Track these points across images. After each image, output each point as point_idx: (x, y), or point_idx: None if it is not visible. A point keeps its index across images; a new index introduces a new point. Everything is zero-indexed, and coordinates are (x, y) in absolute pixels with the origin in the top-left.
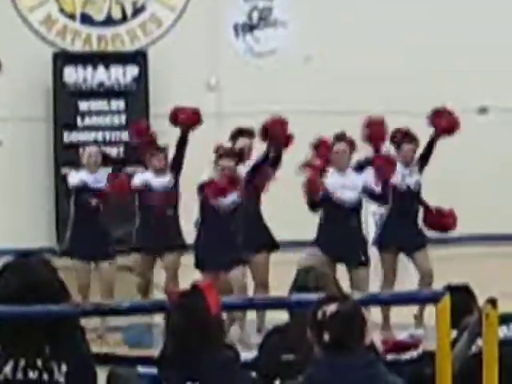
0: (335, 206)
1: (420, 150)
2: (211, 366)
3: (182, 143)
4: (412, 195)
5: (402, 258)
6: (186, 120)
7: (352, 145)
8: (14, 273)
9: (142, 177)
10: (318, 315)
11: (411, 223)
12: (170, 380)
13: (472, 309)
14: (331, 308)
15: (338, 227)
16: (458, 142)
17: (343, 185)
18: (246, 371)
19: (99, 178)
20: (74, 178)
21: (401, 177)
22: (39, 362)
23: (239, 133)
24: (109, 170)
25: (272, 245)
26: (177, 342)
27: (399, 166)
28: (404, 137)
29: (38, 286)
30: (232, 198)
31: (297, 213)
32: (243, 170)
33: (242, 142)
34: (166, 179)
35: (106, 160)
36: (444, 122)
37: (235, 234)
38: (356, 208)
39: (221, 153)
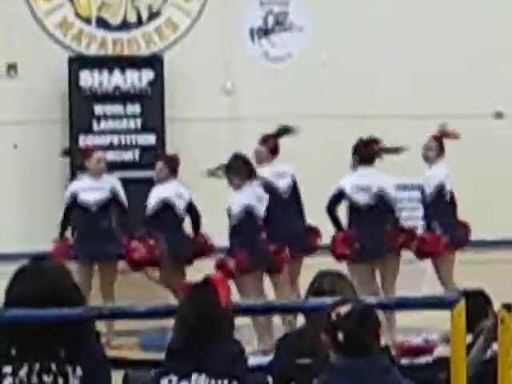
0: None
1: None
2: (218, 358)
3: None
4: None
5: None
6: None
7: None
8: (28, 276)
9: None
10: (331, 316)
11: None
12: (176, 371)
13: (487, 313)
14: (345, 308)
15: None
16: (474, 146)
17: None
18: (249, 366)
19: (99, 186)
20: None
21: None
22: (54, 366)
23: (267, 137)
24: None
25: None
26: (185, 334)
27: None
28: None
29: (52, 290)
30: None
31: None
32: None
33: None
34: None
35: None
36: None
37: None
38: None
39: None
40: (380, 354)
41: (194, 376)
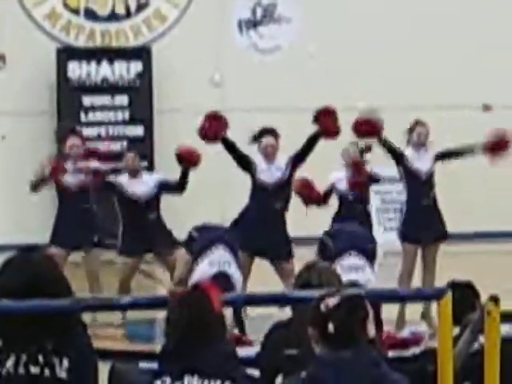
0: None
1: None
2: (210, 359)
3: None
4: (425, 183)
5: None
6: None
7: None
8: (16, 268)
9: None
10: (321, 308)
11: (430, 213)
12: (169, 372)
13: (475, 306)
14: (334, 300)
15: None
16: (462, 139)
17: None
18: (243, 367)
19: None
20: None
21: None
22: (41, 358)
23: (264, 132)
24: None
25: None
26: (177, 336)
27: (410, 151)
28: (416, 122)
29: (40, 281)
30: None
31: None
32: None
33: (266, 141)
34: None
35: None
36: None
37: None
38: None
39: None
40: (368, 346)
41: (187, 377)
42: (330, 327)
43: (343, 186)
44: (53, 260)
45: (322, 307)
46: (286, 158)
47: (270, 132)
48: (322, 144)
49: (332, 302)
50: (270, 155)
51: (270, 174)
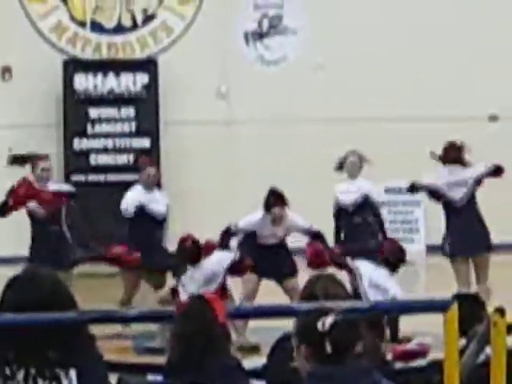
0: None
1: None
2: (214, 372)
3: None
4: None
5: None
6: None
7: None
8: (22, 284)
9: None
10: (318, 327)
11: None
12: None
13: (481, 317)
14: (330, 319)
15: None
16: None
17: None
18: (248, 379)
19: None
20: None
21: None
22: (48, 371)
23: (273, 203)
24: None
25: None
26: (182, 349)
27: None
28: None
29: (45, 299)
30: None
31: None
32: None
33: (276, 212)
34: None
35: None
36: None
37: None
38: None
39: None
40: (356, 357)
41: None
42: (328, 348)
43: (345, 197)
44: (58, 276)
45: (319, 326)
46: (301, 227)
47: (280, 201)
48: (318, 158)
49: (329, 321)
50: (277, 224)
51: (273, 236)
